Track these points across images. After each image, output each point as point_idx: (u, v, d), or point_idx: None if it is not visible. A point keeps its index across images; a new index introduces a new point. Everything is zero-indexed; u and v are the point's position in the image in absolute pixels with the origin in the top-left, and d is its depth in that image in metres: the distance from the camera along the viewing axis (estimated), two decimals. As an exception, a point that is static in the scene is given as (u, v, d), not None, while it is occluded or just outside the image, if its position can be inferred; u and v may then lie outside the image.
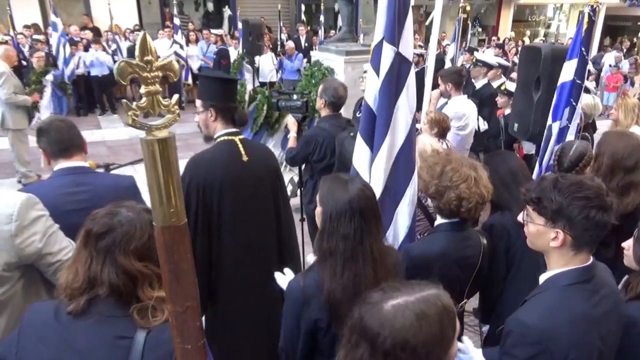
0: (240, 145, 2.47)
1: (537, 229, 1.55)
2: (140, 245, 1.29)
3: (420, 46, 10.91)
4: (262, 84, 8.97)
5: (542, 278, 1.60)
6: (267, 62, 10.21)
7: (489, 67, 5.98)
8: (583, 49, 3.14)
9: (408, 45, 2.18)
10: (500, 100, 4.98)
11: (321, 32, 13.16)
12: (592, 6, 3.12)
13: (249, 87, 7.75)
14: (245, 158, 2.46)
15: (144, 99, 0.85)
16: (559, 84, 3.25)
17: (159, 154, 0.85)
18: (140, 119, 0.85)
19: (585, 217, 1.44)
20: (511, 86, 5.03)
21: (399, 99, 2.21)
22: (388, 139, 2.20)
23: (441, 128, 3.48)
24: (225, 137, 2.47)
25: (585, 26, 3.12)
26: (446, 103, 4.68)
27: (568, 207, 1.45)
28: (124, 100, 0.84)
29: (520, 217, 1.65)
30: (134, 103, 0.84)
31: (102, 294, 1.27)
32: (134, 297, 1.28)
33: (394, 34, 2.11)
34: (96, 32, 12.15)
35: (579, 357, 1.43)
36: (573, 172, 2.56)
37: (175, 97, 0.92)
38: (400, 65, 2.17)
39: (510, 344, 1.52)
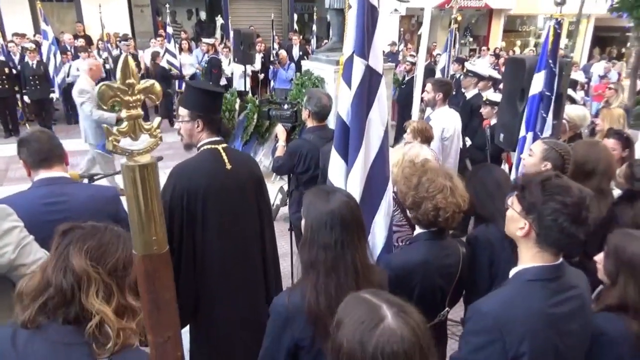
0: (223, 154, 2.47)
1: (512, 215, 1.63)
2: (96, 245, 1.28)
3: (412, 55, 11.00)
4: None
5: (512, 272, 1.65)
6: (239, 70, 9.87)
7: (480, 78, 6.05)
8: (550, 61, 3.21)
9: (378, 58, 2.21)
10: (484, 110, 5.02)
11: (313, 42, 13.24)
12: (557, 19, 3.24)
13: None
14: (228, 166, 2.46)
15: (125, 123, 0.83)
16: (529, 95, 3.32)
17: (140, 180, 0.82)
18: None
19: (554, 219, 1.48)
20: (493, 96, 5.08)
21: (370, 111, 2.23)
22: (362, 152, 2.21)
23: (424, 137, 3.50)
24: (209, 146, 2.48)
25: (551, 39, 3.20)
26: (429, 117, 4.69)
27: (542, 204, 1.50)
28: (104, 126, 0.82)
29: (507, 198, 1.70)
30: (115, 128, 0.82)
31: (50, 296, 1.23)
32: (77, 302, 1.23)
33: (363, 48, 2.14)
34: (88, 40, 12.15)
35: (531, 349, 1.46)
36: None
37: (157, 120, 0.89)
38: (370, 78, 2.19)
39: (468, 330, 1.57)
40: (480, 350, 1.50)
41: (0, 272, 1.71)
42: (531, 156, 2.66)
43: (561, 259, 1.58)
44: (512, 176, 3.39)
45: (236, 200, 2.52)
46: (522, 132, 3.37)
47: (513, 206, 1.62)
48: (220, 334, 2.59)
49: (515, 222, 1.59)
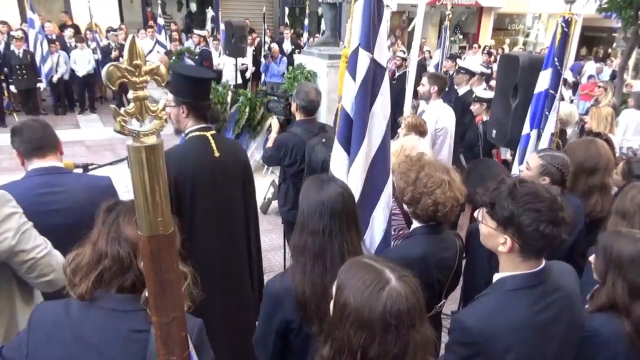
0: (212, 141, 2.45)
1: (488, 231, 1.59)
2: None
3: (402, 51, 11.03)
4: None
5: (495, 277, 1.64)
6: (230, 63, 9.71)
7: (472, 74, 6.09)
8: (556, 59, 3.19)
9: (382, 52, 2.21)
10: (473, 107, 5.05)
11: (305, 36, 13.21)
12: (564, 17, 3.16)
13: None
14: (217, 154, 2.44)
15: (132, 104, 0.83)
16: (535, 92, 3.32)
17: (146, 161, 0.83)
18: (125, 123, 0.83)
19: (535, 229, 1.46)
20: (481, 93, 5.12)
21: (374, 104, 2.24)
22: (365, 145, 2.22)
23: (418, 132, 3.52)
24: (197, 133, 2.45)
25: (558, 37, 3.16)
26: (423, 111, 4.73)
27: (519, 216, 1.48)
28: (112, 106, 0.82)
29: (476, 214, 1.68)
30: (122, 109, 0.82)
31: (105, 267, 1.26)
32: (135, 269, 1.27)
33: (369, 41, 2.14)
34: (76, 30, 11.96)
35: (517, 359, 1.47)
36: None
37: (163, 101, 0.90)
38: (375, 72, 2.19)
39: (452, 341, 1.58)
40: None
41: (0, 259, 1.69)
42: (528, 170, 2.63)
43: (544, 263, 1.57)
44: (514, 173, 3.42)
45: (224, 187, 2.51)
46: (527, 130, 3.37)
47: (486, 222, 1.59)
48: (207, 322, 2.56)
49: (494, 237, 1.57)
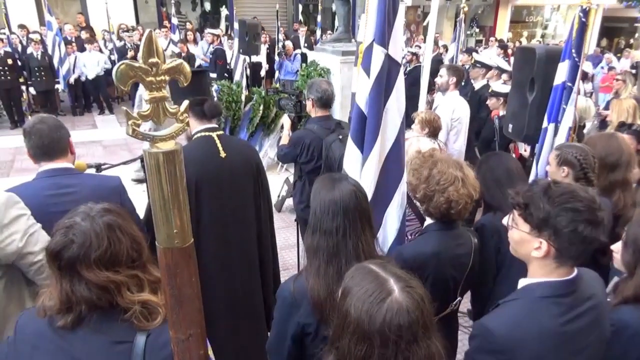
0: (217, 142, 2.41)
1: (521, 236, 1.48)
2: (102, 253, 1.24)
3: (417, 46, 10.91)
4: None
5: (521, 283, 1.54)
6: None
7: (488, 68, 5.99)
8: (574, 51, 3.08)
9: (397, 47, 2.18)
10: (490, 102, 4.97)
11: (319, 32, 13.18)
12: (582, 7, 3.02)
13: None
14: (223, 154, 2.40)
15: (147, 106, 0.76)
16: (553, 85, 3.23)
17: (164, 168, 0.76)
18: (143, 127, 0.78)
19: (572, 230, 1.37)
20: (498, 87, 5.02)
21: (388, 101, 2.20)
22: (378, 142, 2.18)
23: (432, 128, 3.46)
24: (203, 134, 2.42)
25: (576, 27, 3.05)
26: (437, 106, 4.70)
27: (556, 217, 1.38)
28: (124, 108, 0.76)
29: (505, 221, 1.58)
30: (136, 111, 0.76)
31: (84, 311, 1.23)
32: (117, 306, 1.25)
33: (384, 36, 2.10)
34: (91, 31, 12.13)
35: None
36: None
37: (185, 103, 0.82)
38: (389, 68, 2.16)
39: (474, 349, 1.50)
40: None
41: (8, 261, 1.70)
42: (550, 165, 2.61)
43: (576, 271, 1.48)
44: (533, 171, 3.35)
45: (231, 189, 2.46)
46: (544, 124, 3.29)
47: (519, 227, 1.48)
48: (216, 324, 2.48)
49: (527, 243, 1.46)
